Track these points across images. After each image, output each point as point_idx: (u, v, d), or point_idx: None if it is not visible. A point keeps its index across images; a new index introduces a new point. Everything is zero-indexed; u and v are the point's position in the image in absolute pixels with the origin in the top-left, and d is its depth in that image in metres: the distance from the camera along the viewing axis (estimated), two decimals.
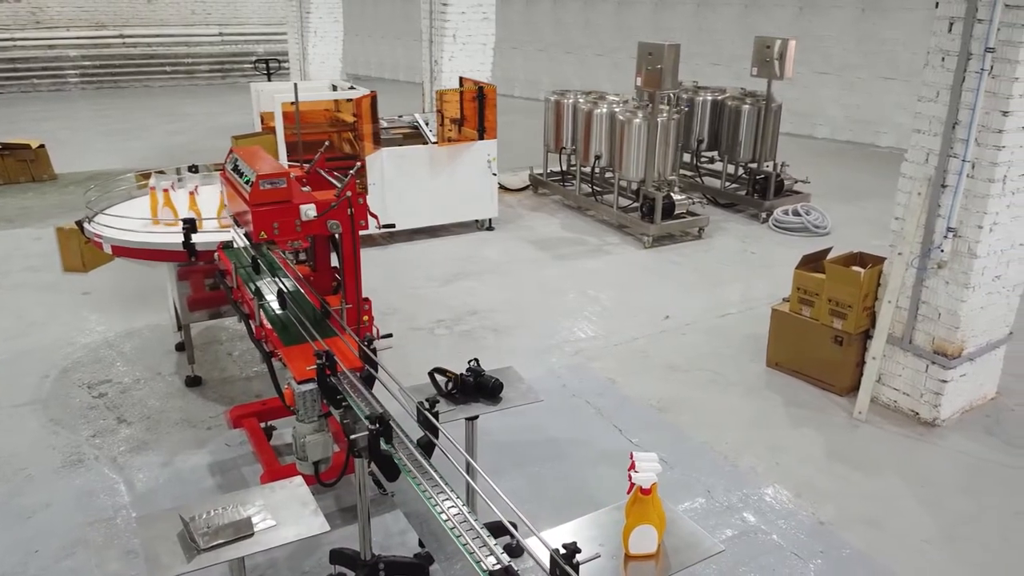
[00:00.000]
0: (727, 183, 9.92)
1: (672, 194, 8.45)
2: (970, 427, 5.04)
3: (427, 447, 2.91)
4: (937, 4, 4.63)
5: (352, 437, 2.96)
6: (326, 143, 4.78)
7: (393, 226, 7.90)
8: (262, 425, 4.70)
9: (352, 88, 9.55)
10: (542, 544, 2.22)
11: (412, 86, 17.84)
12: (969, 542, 4.06)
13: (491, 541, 2.37)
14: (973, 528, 4.16)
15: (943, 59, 4.64)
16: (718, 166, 10.10)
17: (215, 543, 2.57)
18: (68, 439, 4.87)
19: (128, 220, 5.14)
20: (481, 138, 8.43)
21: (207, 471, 4.57)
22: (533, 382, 3.82)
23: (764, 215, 9.27)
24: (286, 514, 2.76)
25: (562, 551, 2.14)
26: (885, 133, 13.30)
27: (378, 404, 3.06)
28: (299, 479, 2.97)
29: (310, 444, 3.39)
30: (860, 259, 5.59)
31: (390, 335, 4.28)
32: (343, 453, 3.42)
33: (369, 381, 3.34)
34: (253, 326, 3.99)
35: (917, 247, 4.94)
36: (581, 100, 9.52)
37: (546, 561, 2.20)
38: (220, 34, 22.36)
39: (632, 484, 2.49)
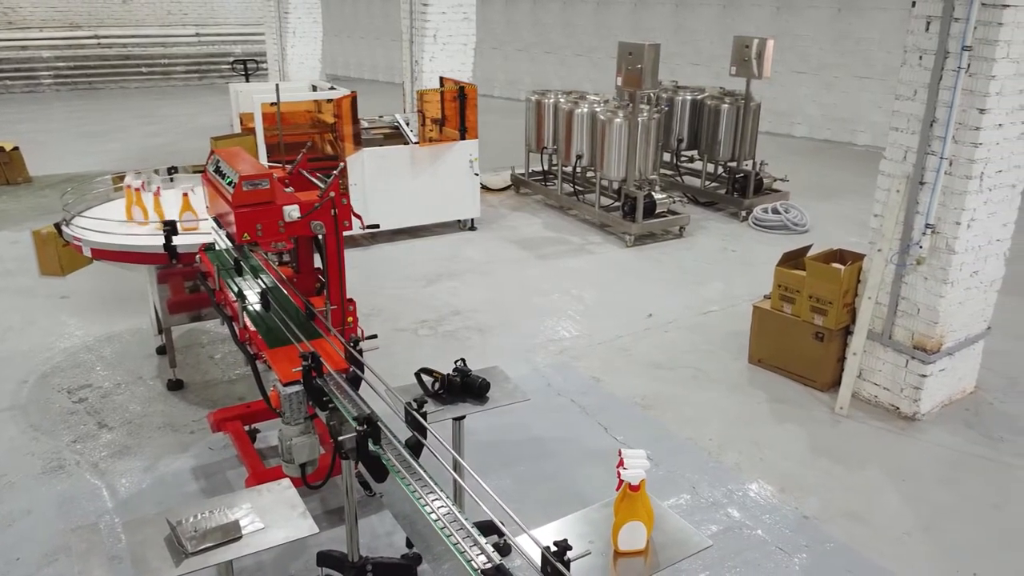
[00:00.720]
0: (707, 182, 9.98)
1: (653, 193, 8.50)
2: (950, 421, 5.11)
3: (415, 447, 2.91)
4: (914, 3, 4.69)
5: (340, 438, 2.95)
6: (308, 143, 4.76)
7: (377, 227, 7.88)
8: (246, 428, 4.67)
9: (332, 88, 9.52)
10: (532, 542, 2.23)
11: (393, 87, 17.81)
12: (949, 534, 4.11)
13: (481, 540, 2.37)
14: (953, 520, 4.22)
15: (920, 58, 4.71)
16: (698, 165, 10.16)
17: (203, 547, 2.55)
18: (48, 445, 4.81)
19: (108, 223, 5.09)
20: (462, 138, 8.42)
21: (191, 475, 4.53)
22: (518, 382, 3.82)
23: (744, 213, 9.34)
24: (274, 517, 2.75)
25: (553, 548, 2.15)
26: (862, 131, 13.45)
27: (365, 405, 3.05)
28: (287, 481, 2.95)
29: (296, 446, 3.37)
30: (840, 256, 5.66)
31: (375, 336, 4.26)
32: (329, 455, 3.40)
33: (355, 382, 3.33)
34: (237, 328, 3.97)
35: (896, 243, 5.00)
36: (562, 100, 9.54)
37: (536, 559, 2.21)
38: (197, 35, 22.16)
39: (621, 481, 2.50)
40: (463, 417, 3.52)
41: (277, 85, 5.71)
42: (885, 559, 3.91)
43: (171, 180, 6.05)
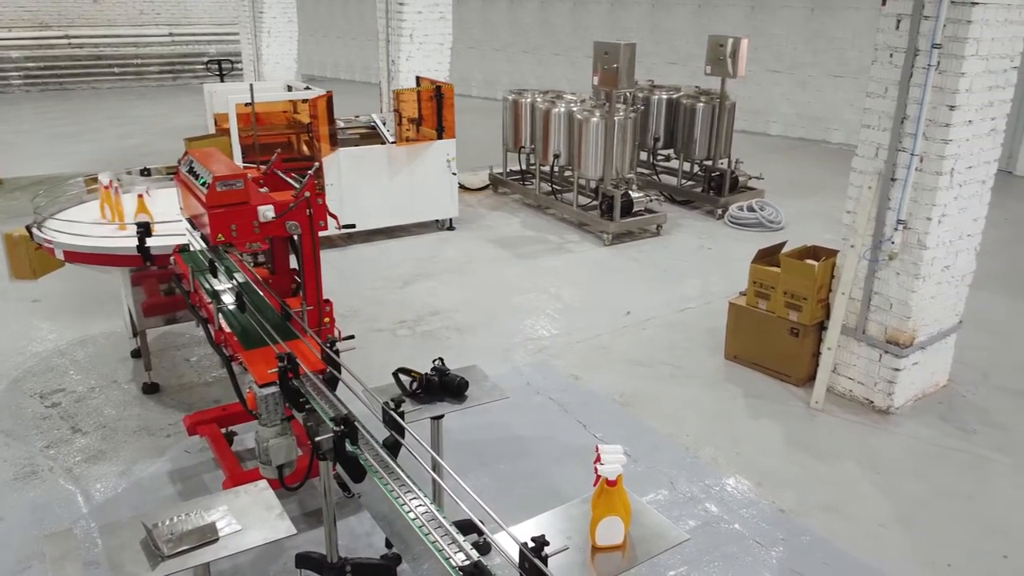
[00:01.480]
0: (683, 181, 10.04)
1: (630, 192, 8.53)
2: (923, 414, 5.18)
3: (393, 447, 2.90)
4: (884, 2, 4.75)
5: (317, 439, 2.93)
6: (281, 145, 4.73)
7: (353, 226, 7.84)
8: (223, 431, 4.63)
9: (308, 88, 9.46)
10: (511, 539, 2.23)
11: (370, 87, 17.73)
12: (924, 525, 4.17)
13: (460, 538, 2.37)
14: (927, 511, 4.28)
15: (891, 56, 4.77)
16: (674, 164, 10.22)
17: (179, 549, 2.53)
18: (20, 451, 4.74)
19: (80, 225, 5.02)
20: (440, 137, 8.41)
21: (167, 479, 4.49)
22: (496, 380, 3.82)
23: (720, 211, 9.41)
24: (251, 518, 2.73)
25: (531, 544, 2.15)
26: (836, 129, 13.60)
27: (342, 406, 3.04)
28: (264, 483, 2.93)
29: (273, 448, 3.35)
30: (814, 252, 5.71)
31: (352, 336, 4.24)
32: (307, 456, 3.39)
33: (332, 383, 3.32)
34: (212, 330, 3.93)
35: (869, 239, 5.06)
36: (539, 99, 9.55)
37: (515, 555, 2.21)
38: (170, 34, 21.92)
39: (598, 476, 2.52)
40: (441, 416, 3.52)
41: (251, 85, 5.67)
42: (861, 551, 3.96)
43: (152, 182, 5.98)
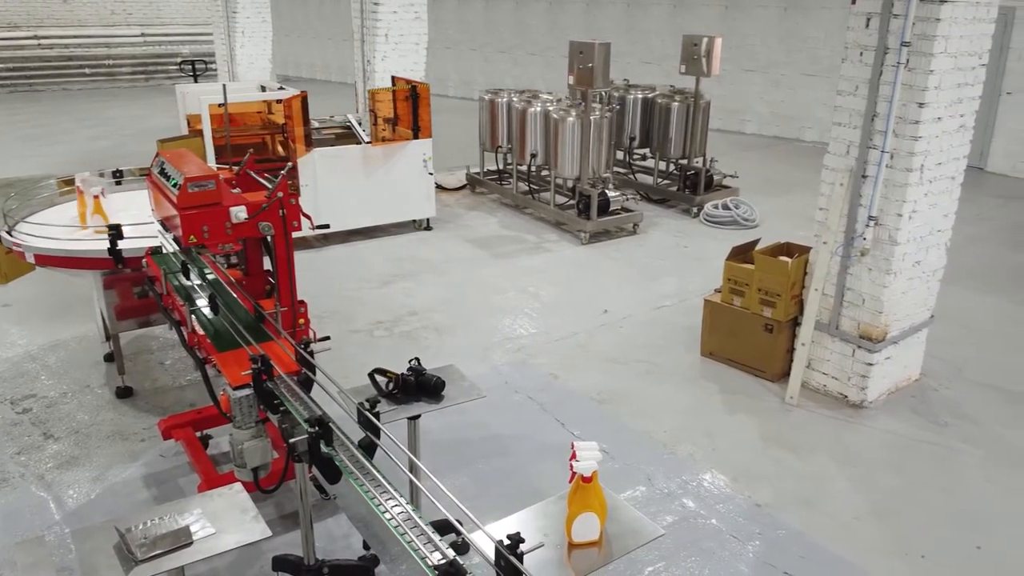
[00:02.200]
0: (659, 179, 10.09)
1: (607, 191, 8.56)
2: (896, 408, 5.25)
3: (369, 448, 2.89)
4: (854, 1, 4.80)
5: (291, 441, 2.91)
6: (258, 144, 4.70)
7: (328, 226, 7.79)
8: (198, 434, 4.58)
9: (282, 89, 9.40)
10: (487, 537, 2.23)
11: (345, 87, 17.64)
12: (898, 518, 4.22)
13: (436, 538, 2.37)
14: (901, 504, 4.33)
15: (861, 54, 4.82)
16: (650, 163, 10.27)
17: (153, 553, 2.51)
18: None
19: (51, 228, 4.95)
20: (416, 137, 8.38)
21: (142, 484, 4.44)
22: (475, 380, 3.82)
23: (695, 210, 9.46)
24: (226, 521, 2.71)
25: (506, 542, 2.16)
26: (809, 128, 13.73)
27: (317, 407, 3.02)
28: (238, 485, 2.91)
29: (248, 450, 3.32)
30: (787, 249, 5.76)
31: (327, 338, 4.22)
32: (282, 459, 3.36)
33: (307, 384, 3.30)
34: (185, 333, 3.90)
35: (841, 236, 5.12)
36: (515, 99, 9.56)
37: (491, 554, 2.21)
38: (142, 35, 21.68)
39: (574, 473, 2.52)
40: (418, 416, 3.51)
41: (224, 85, 5.62)
42: (836, 544, 4.00)
43: (118, 183, 5.90)
